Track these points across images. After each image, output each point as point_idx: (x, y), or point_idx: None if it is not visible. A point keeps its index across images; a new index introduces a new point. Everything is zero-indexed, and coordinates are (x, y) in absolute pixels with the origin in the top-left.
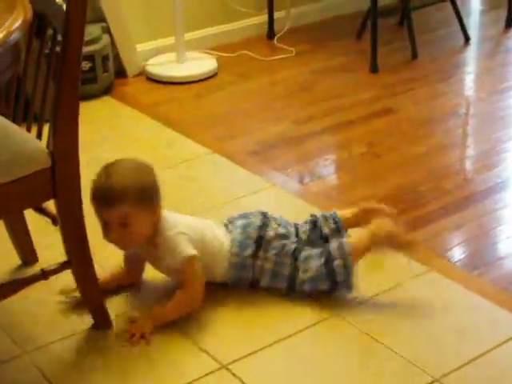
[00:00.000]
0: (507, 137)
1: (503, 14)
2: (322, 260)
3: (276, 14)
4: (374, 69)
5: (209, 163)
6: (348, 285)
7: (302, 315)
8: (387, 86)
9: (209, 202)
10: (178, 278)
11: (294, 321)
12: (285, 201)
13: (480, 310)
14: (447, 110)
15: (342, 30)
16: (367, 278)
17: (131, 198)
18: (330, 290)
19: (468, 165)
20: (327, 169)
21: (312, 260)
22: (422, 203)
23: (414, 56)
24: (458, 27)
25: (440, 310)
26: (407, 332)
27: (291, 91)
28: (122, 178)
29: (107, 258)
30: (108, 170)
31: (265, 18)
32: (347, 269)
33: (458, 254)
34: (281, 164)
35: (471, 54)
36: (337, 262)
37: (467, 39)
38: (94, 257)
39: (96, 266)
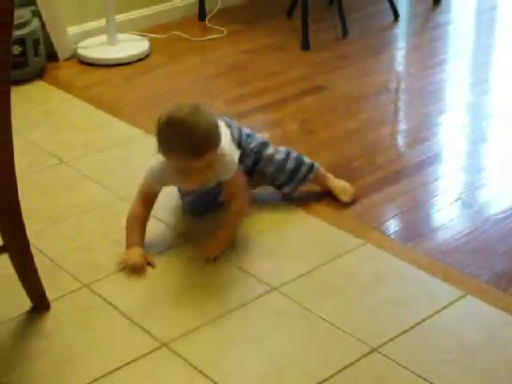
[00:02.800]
0: (437, 111)
1: None
2: (294, 155)
3: None
4: (306, 47)
5: (142, 145)
6: (296, 186)
7: (243, 290)
8: (318, 63)
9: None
10: (227, 190)
11: (237, 295)
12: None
13: (415, 281)
14: (378, 86)
15: (272, 8)
16: (302, 252)
17: (214, 143)
18: (283, 183)
19: (400, 139)
20: None
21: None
22: (356, 178)
23: (345, 34)
24: (387, 4)
25: (376, 281)
26: (345, 305)
27: (223, 71)
28: (201, 130)
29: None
30: (184, 124)
31: None
32: (310, 172)
33: (392, 226)
34: None
35: (401, 30)
36: (305, 163)
37: (396, 16)
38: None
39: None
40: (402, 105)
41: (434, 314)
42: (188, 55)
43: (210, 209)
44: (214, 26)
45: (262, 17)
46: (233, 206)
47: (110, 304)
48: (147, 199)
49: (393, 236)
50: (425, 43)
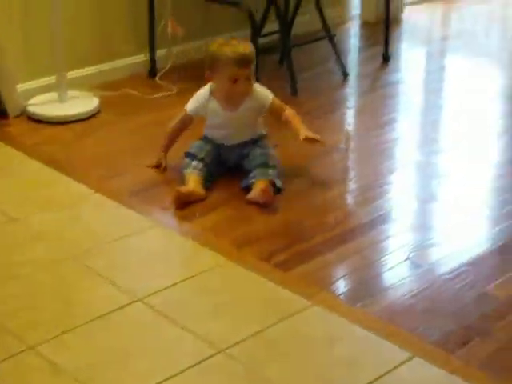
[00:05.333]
0: (387, 170)
1: (380, 50)
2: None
3: (158, 52)
4: None
5: (92, 203)
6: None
7: (189, 353)
8: (268, 122)
9: (92, 242)
10: (275, 109)
11: (183, 358)
12: (170, 239)
13: (364, 342)
14: (328, 145)
15: None
16: (249, 313)
17: (254, 60)
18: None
19: (350, 198)
20: (213, 205)
21: None
22: (307, 238)
23: (294, 93)
24: (336, 64)
25: (324, 343)
26: (294, 367)
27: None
28: (249, 47)
29: None
30: (240, 44)
31: (147, 56)
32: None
33: (341, 286)
34: (164, 202)
35: (350, 90)
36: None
37: (345, 76)
38: None
39: None
40: (352, 164)
41: (381, 376)
42: (138, 113)
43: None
44: (165, 84)
45: None
46: (289, 109)
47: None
48: (183, 124)
49: (342, 296)
50: (374, 102)
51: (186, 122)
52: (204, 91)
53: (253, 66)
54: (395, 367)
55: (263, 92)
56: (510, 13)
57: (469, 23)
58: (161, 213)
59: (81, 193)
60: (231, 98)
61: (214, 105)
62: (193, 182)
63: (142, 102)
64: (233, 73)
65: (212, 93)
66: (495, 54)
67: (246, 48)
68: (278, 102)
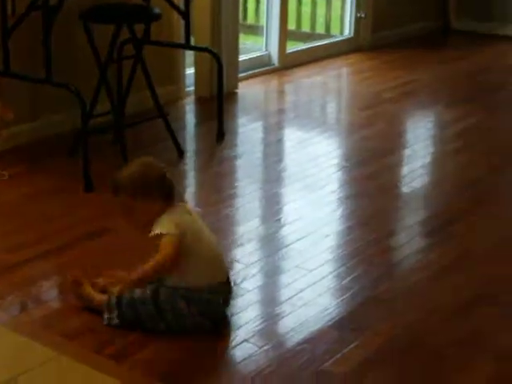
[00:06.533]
0: (228, 246)
1: (216, 125)
2: None
3: None
4: (89, 188)
5: None
6: None
7: None
8: (103, 205)
9: None
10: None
11: None
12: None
13: None
14: None
15: (56, 149)
16: None
17: (125, 187)
18: None
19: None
20: (45, 295)
21: None
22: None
23: None
24: (171, 142)
25: None
26: None
27: (3, 217)
28: (125, 172)
29: None
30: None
31: None
32: None
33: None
34: None
35: (187, 167)
36: None
37: (181, 153)
38: None
39: None
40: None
41: None
42: None
43: None
44: None
45: (45, 158)
46: (160, 253)
47: None
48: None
49: None
50: (211, 178)
51: None
52: None
53: (126, 193)
54: None
55: (162, 223)
56: (343, 84)
57: (303, 95)
58: None
59: None
60: None
61: None
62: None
63: None
64: None
65: None
66: (330, 124)
67: (121, 173)
68: (165, 241)
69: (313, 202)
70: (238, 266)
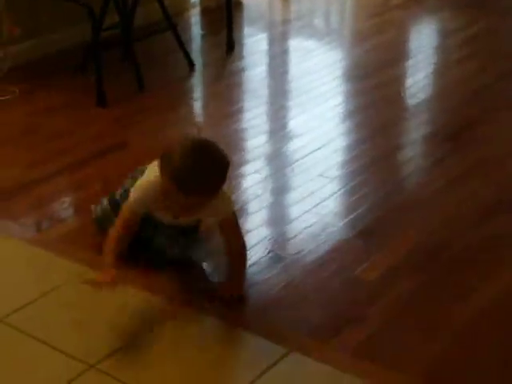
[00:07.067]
0: (239, 162)
1: (223, 36)
2: None
3: None
4: (102, 103)
5: None
6: None
7: None
8: (116, 119)
9: None
10: (227, 228)
11: None
12: (23, 251)
13: (236, 343)
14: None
15: (65, 64)
16: None
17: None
18: None
19: None
20: (65, 212)
21: None
22: None
23: (141, 87)
24: (181, 54)
25: (197, 346)
26: (165, 374)
27: (17, 134)
28: (225, 165)
29: None
30: (213, 158)
31: None
32: None
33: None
34: (14, 213)
35: (197, 79)
36: None
37: (192, 65)
38: None
39: None
40: None
41: (258, 377)
42: None
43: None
44: (5, 87)
45: (55, 73)
46: (237, 242)
47: None
48: (130, 225)
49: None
50: (223, 91)
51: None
52: (154, 183)
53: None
54: (270, 366)
55: (227, 205)
56: None
57: (310, 3)
58: (12, 224)
59: None
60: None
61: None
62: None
63: None
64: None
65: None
66: (338, 32)
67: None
68: (235, 223)
69: (321, 115)
70: (247, 183)
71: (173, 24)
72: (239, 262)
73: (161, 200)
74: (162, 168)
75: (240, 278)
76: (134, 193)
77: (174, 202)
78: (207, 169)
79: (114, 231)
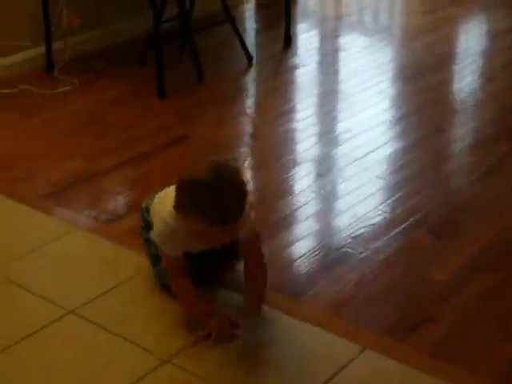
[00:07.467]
0: (292, 163)
1: (279, 32)
2: None
3: (54, 45)
4: (162, 95)
5: (3, 210)
6: None
7: None
8: (177, 112)
9: (9, 253)
10: (250, 243)
11: None
12: (90, 243)
13: (312, 338)
14: (238, 133)
15: (124, 56)
16: None
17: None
18: None
19: (259, 191)
20: (130, 205)
21: None
22: None
23: (200, 80)
24: (238, 47)
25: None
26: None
27: (79, 125)
28: (245, 189)
29: None
30: (235, 185)
31: (43, 49)
32: None
33: (279, 282)
34: (79, 204)
35: (254, 74)
36: None
37: (250, 59)
38: None
39: None
40: (259, 153)
41: (335, 375)
42: (40, 110)
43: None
44: (65, 78)
45: (113, 65)
46: (258, 258)
47: None
48: (179, 268)
49: (283, 291)
50: (277, 88)
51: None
52: (175, 225)
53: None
54: (348, 362)
55: (249, 220)
56: None
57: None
58: (78, 216)
59: None
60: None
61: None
62: None
63: (42, 98)
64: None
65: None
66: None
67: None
68: (257, 237)
69: (378, 115)
70: (318, 178)
71: (231, 16)
72: (263, 276)
73: (193, 238)
74: (186, 209)
75: (262, 293)
76: (161, 243)
77: (210, 235)
78: (235, 192)
79: (174, 284)
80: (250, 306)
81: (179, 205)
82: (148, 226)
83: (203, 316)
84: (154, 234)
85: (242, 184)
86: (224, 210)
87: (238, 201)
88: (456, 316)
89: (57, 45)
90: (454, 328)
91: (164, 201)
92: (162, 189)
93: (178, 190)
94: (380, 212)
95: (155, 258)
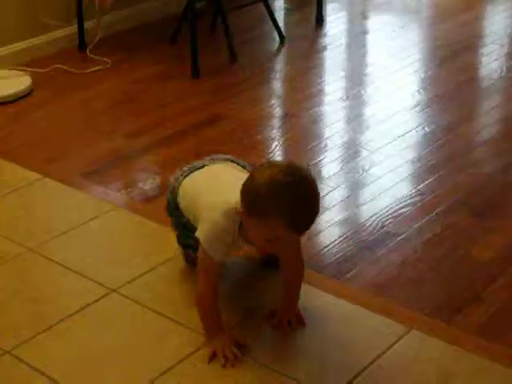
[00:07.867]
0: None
1: (309, 12)
2: None
3: (86, 24)
4: (196, 74)
5: (42, 189)
6: None
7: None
8: (211, 91)
9: (49, 232)
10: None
11: None
12: (130, 222)
13: (358, 319)
14: (272, 113)
15: (155, 35)
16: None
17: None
18: None
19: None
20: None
21: None
22: None
23: (233, 59)
24: (270, 26)
25: (318, 323)
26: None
27: (114, 104)
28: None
29: None
30: (313, 189)
31: (75, 28)
32: None
33: (322, 261)
34: (118, 182)
35: (287, 54)
36: None
37: (282, 39)
38: None
39: None
40: (297, 133)
41: (381, 355)
42: (73, 89)
43: None
44: (97, 57)
45: (145, 44)
46: (298, 263)
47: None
48: (217, 274)
49: (325, 272)
50: (308, 69)
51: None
52: (228, 227)
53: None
54: (395, 342)
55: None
56: None
57: None
58: (117, 194)
59: (28, 178)
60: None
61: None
62: None
63: (76, 77)
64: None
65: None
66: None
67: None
68: (299, 241)
69: (408, 99)
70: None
71: None
72: (297, 283)
73: (239, 242)
74: (264, 214)
75: (295, 300)
76: (210, 245)
77: (270, 242)
78: (313, 196)
79: (208, 290)
80: (285, 308)
81: (252, 208)
82: (175, 205)
83: (211, 334)
84: (200, 235)
85: (316, 186)
86: (308, 216)
87: (318, 204)
88: (501, 296)
89: (88, 24)
90: (500, 308)
91: (208, 197)
92: (188, 168)
93: (251, 194)
94: (419, 193)
95: (185, 227)
